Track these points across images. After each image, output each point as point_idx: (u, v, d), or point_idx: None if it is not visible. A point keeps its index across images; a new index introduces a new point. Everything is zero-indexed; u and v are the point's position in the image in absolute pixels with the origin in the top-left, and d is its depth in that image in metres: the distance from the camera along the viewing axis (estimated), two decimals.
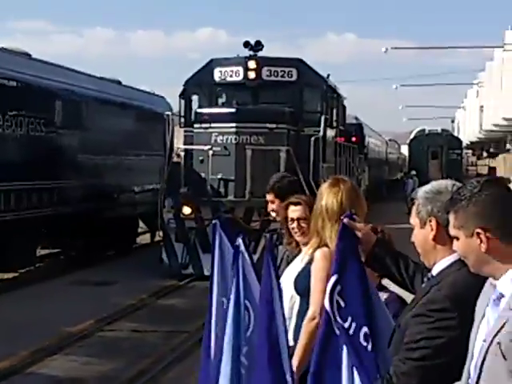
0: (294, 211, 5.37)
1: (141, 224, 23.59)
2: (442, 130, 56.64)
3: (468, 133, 69.21)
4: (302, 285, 4.95)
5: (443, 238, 3.31)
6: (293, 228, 5.32)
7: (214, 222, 4.58)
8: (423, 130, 56.15)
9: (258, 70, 18.19)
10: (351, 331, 3.48)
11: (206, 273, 16.60)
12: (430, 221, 3.37)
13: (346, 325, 3.48)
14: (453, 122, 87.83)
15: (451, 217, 2.93)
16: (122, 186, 21.22)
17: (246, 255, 4.14)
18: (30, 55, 18.28)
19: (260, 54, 18.47)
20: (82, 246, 19.72)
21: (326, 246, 4.71)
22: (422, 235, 3.42)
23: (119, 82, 22.96)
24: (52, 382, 9.52)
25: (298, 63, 18.64)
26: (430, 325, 3.20)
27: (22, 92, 16.37)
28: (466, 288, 3.16)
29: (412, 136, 57.65)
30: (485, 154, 70.91)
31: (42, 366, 10.15)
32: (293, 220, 5.34)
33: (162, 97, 25.74)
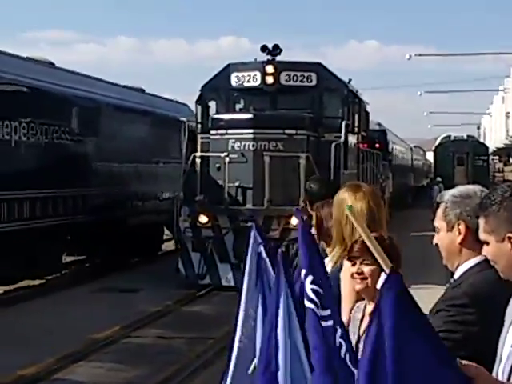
0: None
1: (166, 231, 23.39)
2: (468, 136, 56.59)
3: (494, 139, 68.84)
4: None
5: (470, 241, 3.36)
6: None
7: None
8: (449, 137, 55.83)
9: (276, 75, 17.60)
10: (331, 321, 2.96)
11: (224, 283, 16.05)
12: (459, 224, 3.40)
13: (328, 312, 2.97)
14: (479, 128, 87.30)
15: (481, 221, 2.86)
16: (147, 193, 21.42)
17: (269, 264, 3.71)
18: (53, 64, 18.41)
19: (278, 58, 17.91)
20: (108, 253, 19.70)
21: None
22: (449, 238, 3.44)
23: (143, 90, 22.74)
24: None
25: (318, 67, 18.03)
26: (448, 318, 3.25)
27: (45, 100, 16.35)
28: (485, 288, 3.24)
29: (437, 142, 57.42)
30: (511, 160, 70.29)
31: (68, 372, 10.11)
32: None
33: (185, 104, 25.34)
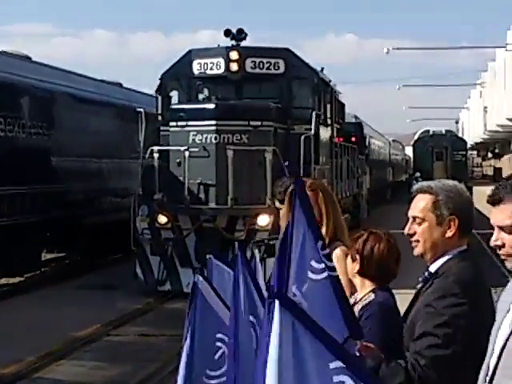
0: None
1: None
2: (447, 130, 55.84)
3: (472, 134, 68.06)
4: None
5: (457, 236, 3.45)
6: None
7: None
8: (427, 131, 55.17)
9: (240, 62, 15.99)
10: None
11: (186, 289, 14.40)
12: (452, 220, 3.44)
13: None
14: (457, 122, 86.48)
15: (501, 210, 2.88)
16: (126, 189, 19.74)
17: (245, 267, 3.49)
18: (30, 58, 17.91)
19: (243, 44, 16.32)
20: (87, 250, 19.03)
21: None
22: (437, 231, 3.45)
23: (120, 85, 21.26)
24: None
25: (286, 53, 16.39)
26: (442, 310, 3.24)
27: (18, 95, 15.95)
28: (471, 277, 3.35)
29: (416, 137, 56.83)
30: (490, 155, 69.77)
31: (49, 371, 9.92)
32: None
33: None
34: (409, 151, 63.91)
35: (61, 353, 10.67)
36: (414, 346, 3.24)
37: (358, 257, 3.87)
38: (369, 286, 3.88)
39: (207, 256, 4.22)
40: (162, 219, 14.71)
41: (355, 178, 23.84)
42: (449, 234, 3.43)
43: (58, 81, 17.91)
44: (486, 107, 56.39)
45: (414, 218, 3.49)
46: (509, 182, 2.92)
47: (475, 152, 76.17)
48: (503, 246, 2.87)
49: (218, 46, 16.50)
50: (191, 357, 3.85)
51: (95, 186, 19.04)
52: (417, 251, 3.48)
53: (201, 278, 3.83)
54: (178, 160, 14.91)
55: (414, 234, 3.48)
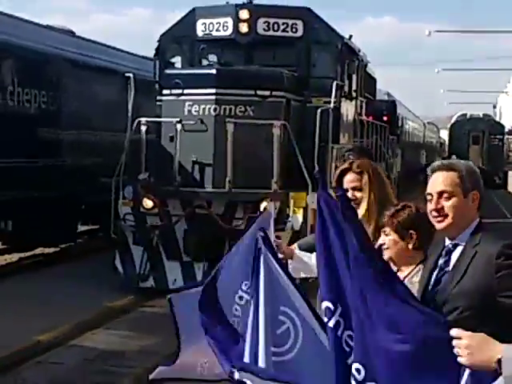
0: None
1: None
2: (484, 114, 54.12)
3: (511, 118, 64.79)
4: None
5: (477, 209, 3.59)
6: None
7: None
8: (465, 115, 53.40)
9: (251, 22, 13.12)
10: None
11: (172, 286, 11.65)
12: (475, 194, 3.56)
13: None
14: (495, 107, 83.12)
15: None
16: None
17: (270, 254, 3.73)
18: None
19: (256, 1, 13.47)
20: None
21: None
22: (465, 204, 3.54)
23: (72, 33, 17.33)
24: (94, 354, 9.17)
25: (306, 14, 13.42)
26: None
27: None
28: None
29: (453, 120, 54.28)
30: None
31: (84, 338, 9.82)
32: None
33: None
34: (444, 134, 61.64)
35: (96, 322, 10.50)
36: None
37: (409, 232, 4.01)
38: (418, 257, 4.01)
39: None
40: (148, 203, 11.96)
41: (384, 160, 20.88)
42: (473, 207, 3.56)
43: None
44: None
45: (441, 193, 3.53)
46: None
47: None
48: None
49: (227, 3, 13.65)
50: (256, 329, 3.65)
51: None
52: (443, 225, 3.54)
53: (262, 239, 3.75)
54: (170, 134, 12.16)
55: (441, 208, 3.52)
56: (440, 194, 3.53)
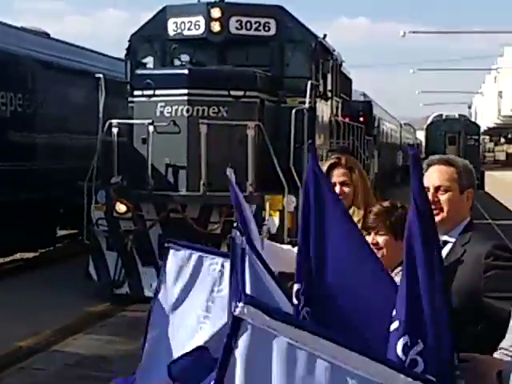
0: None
1: None
2: (460, 115, 54.26)
3: (485, 119, 65.39)
4: None
5: (469, 207, 3.63)
6: None
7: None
8: (440, 116, 53.47)
9: (223, 21, 12.85)
10: None
11: (148, 293, 11.31)
12: (470, 192, 3.59)
13: None
14: (470, 107, 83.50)
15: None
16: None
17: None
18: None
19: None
20: None
21: None
22: (461, 200, 3.55)
23: (47, 35, 17.14)
24: (76, 359, 9.16)
25: (279, 12, 13.16)
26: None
27: None
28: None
29: (429, 121, 54.55)
30: (502, 140, 67.58)
31: (66, 344, 9.83)
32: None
33: None
34: (420, 135, 61.70)
35: (77, 327, 10.49)
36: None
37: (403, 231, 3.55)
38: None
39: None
40: (121, 207, 11.64)
41: (361, 161, 20.64)
42: (467, 204, 3.57)
43: None
44: (500, 92, 54.31)
45: (438, 187, 3.51)
46: None
47: (487, 137, 73.43)
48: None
49: (198, 1, 13.35)
50: None
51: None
52: (438, 218, 3.37)
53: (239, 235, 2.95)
54: (142, 136, 11.84)
55: (438, 201, 3.49)
56: (437, 188, 3.51)
